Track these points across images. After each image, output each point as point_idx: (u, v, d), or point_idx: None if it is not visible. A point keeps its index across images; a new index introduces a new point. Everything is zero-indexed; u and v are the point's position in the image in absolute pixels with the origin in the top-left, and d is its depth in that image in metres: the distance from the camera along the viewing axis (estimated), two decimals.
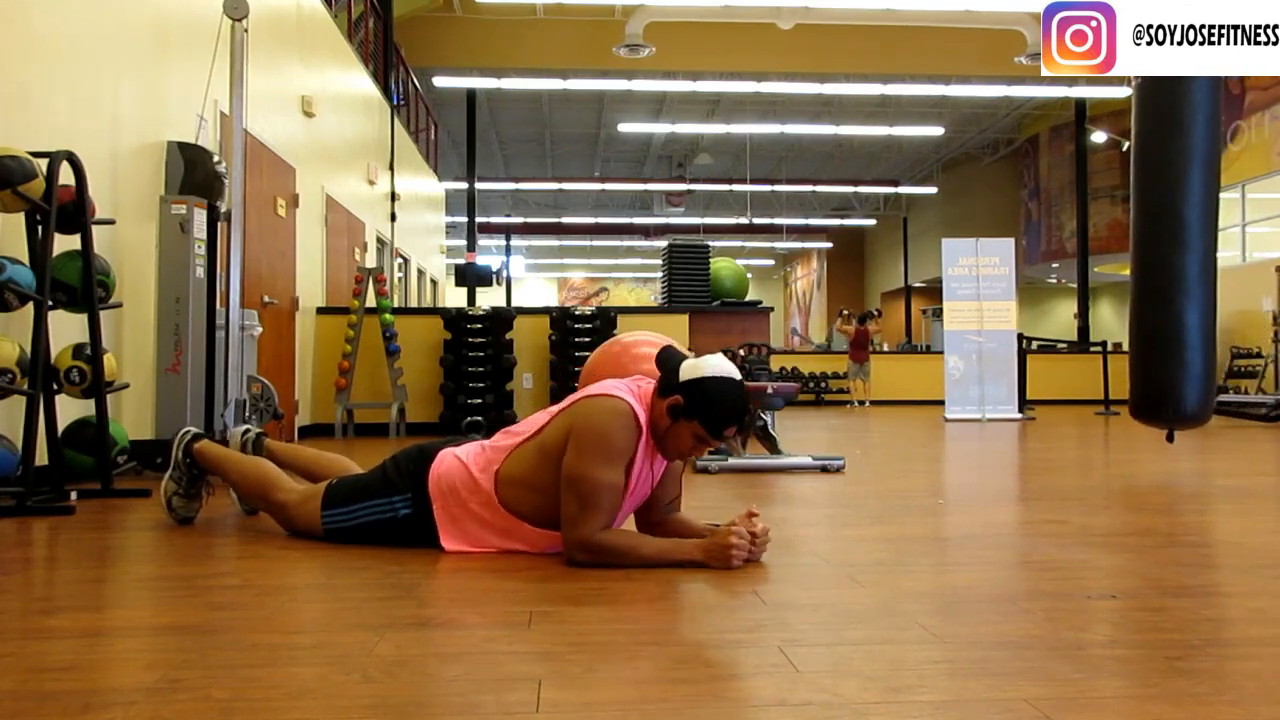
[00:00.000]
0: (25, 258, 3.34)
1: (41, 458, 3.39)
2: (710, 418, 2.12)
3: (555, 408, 2.26)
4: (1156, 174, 3.86)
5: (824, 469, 4.30)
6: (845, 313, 14.80)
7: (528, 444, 2.22)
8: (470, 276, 14.37)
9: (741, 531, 2.12)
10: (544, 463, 2.17)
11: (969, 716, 1.21)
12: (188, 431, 2.74)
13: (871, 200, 24.72)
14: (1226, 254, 12.41)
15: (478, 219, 15.45)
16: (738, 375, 2.18)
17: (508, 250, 25.12)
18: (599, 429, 2.10)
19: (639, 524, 2.36)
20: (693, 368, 2.15)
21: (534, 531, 2.23)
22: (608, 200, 25.07)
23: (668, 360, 2.20)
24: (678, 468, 2.37)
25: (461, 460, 2.28)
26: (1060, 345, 14.45)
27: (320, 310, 7.37)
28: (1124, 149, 16.10)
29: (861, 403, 13.53)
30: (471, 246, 14.89)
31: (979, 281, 10.02)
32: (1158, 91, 3.84)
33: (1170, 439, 4.24)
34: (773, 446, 4.61)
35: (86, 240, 3.53)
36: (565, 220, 25.61)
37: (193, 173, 4.58)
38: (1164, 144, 3.84)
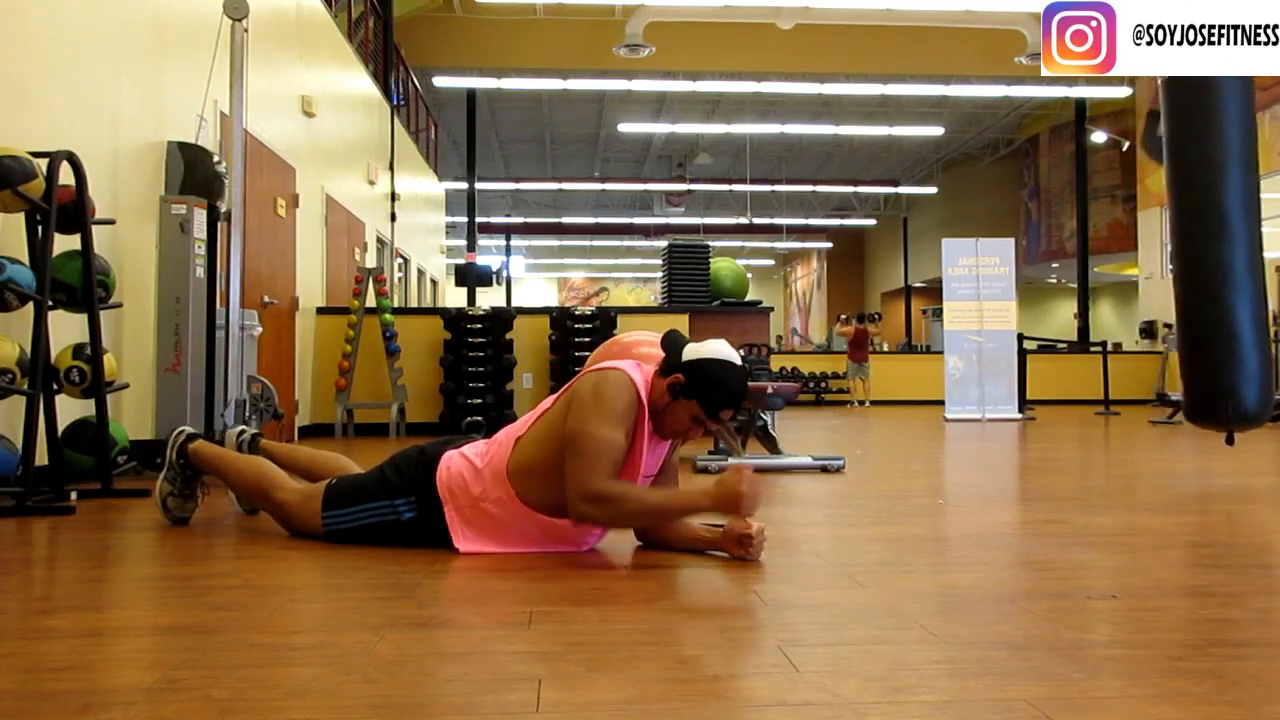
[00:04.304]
0: (25, 258, 3.34)
1: (41, 458, 3.39)
2: (709, 398, 2.16)
3: (557, 393, 2.29)
4: (1193, 169, 3.72)
5: (824, 469, 4.30)
6: (844, 317, 14.86)
7: (535, 427, 2.23)
8: (470, 276, 14.37)
9: (754, 479, 2.10)
10: (551, 444, 2.18)
11: (969, 716, 1.21)
12: (181, 432, 2.73)
13: (871, 200, 24.72)
14: None
15: (478, 219, 15.45)
16: (739, 361, 2.23)
17: (508, 250, 25.12)
18: (602, 395, 2.13)
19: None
20: (696, 349, 2.21)
21: (550, 523, 2.22)
22: (608, 200, 25.07)
23: (673, 342, 2.26)
24: (674, 464, 2.38)
25: (469, 459, 2.28)
26: (1060, 345, 14.45)
27: (320, 310, 7.37)
28: (1124, 149, 16.10)
29: (861, 403, 13.53)
30: (471, 246, 14.89)
31: (979, 281, 10.02)
32: (1188, 84, 3.73)
33: (1230, 441, 4.03)
34: (773, 446, 4.60)
35: (86, 240, 3.52)
36: (565, 220, 25.60)
37: (193, 173, 4.58)
38: (1198, 138, 3.72)
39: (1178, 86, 3.78)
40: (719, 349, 2.22)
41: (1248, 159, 3.70)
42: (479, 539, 2.26)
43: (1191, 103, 3.74)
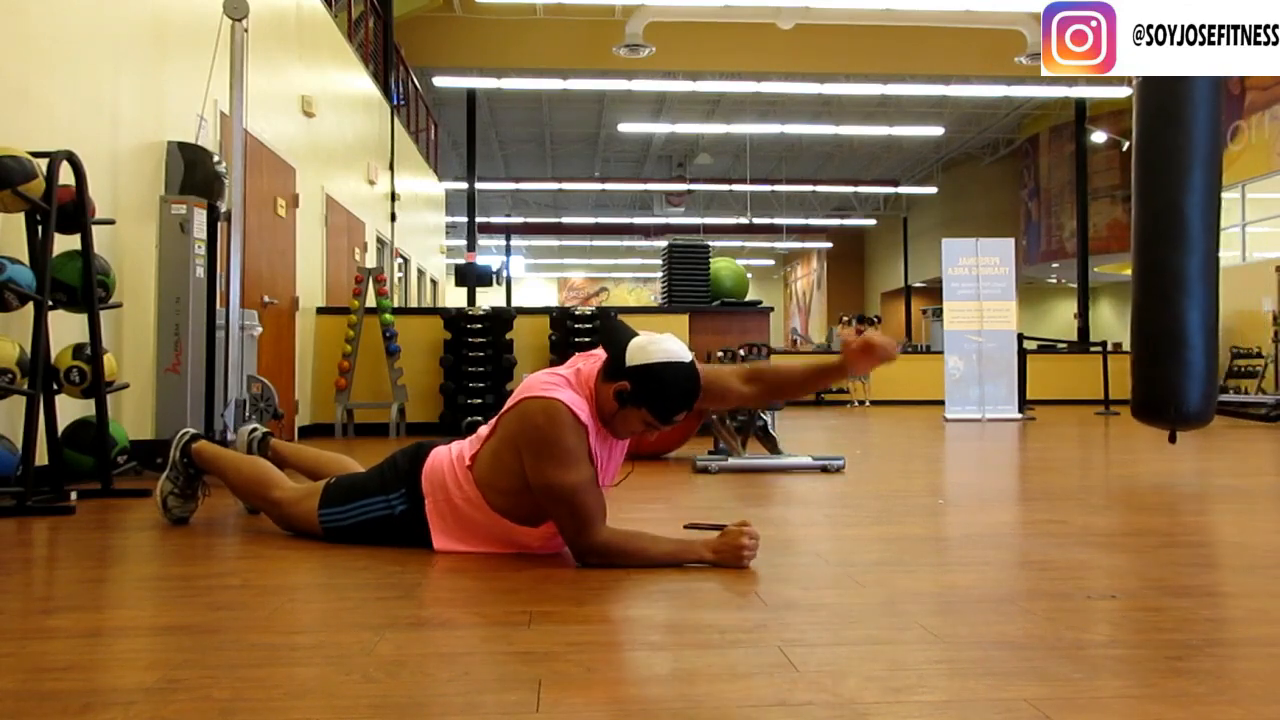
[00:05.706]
0: (25, 258, 3.34)
1: (41, 458, 3.39)
2: (659, 406, 2.07)
3: (501, 411, 2.22)
4: (1158, 172, 3.80)
5: (824, 469, 4.30)
6: (845, 319, 14.89)
7: (486, 446, 2.21)
8: (470, 276, 14.37)
9: (753, 532, 2.12)
10: (500, 470, 2.16)
11: (969, 716, 1.21)
12: (186, 432, 2.76)
13: (871, 200, 24.71)
14: (1227, 254, 12.40)
15: (478, 219, 15.45)
16: (688, 356, 2.11)
17: (508, 250, 25.13)
18: (544, 438, 2.05)
19: (758, 397, 2.28)
20: (640, 351, 2.07)
21: (515, 528, 2.22)
22: (608, 200, 25.07)
23: (614, 340, 2.12)
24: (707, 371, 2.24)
25: (450, 456, 2.29)
26: (1060, 345, 14.45)
27: (320, 310, 7.36)
28: (1124, 149, 16.10)
29: (861, 402, 13.53)
30: (471, 246, 14.89)
31: (979, 281, 10.01)
32: (1158, 89, 3.79)
33: (1173, 440, 4.17)
34: (773, 446, 4.60)
35: (86, 240, 3.52)
36: (565, 220, 25.61)
37: (193, 173, 4.58)
38: (1165, 142, 3.78)
39: (1148, 89, 3.85)
40: (665, 347, 2.07)
41: (1212, 166, 3.78)
42: (453, 537, 2.26)
43: (1160, 106, 3.81)
